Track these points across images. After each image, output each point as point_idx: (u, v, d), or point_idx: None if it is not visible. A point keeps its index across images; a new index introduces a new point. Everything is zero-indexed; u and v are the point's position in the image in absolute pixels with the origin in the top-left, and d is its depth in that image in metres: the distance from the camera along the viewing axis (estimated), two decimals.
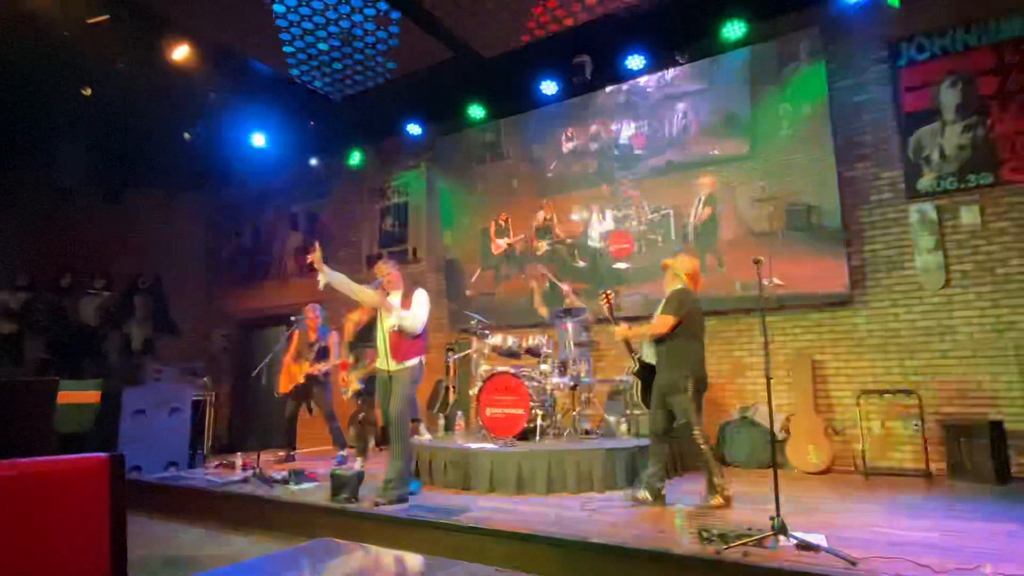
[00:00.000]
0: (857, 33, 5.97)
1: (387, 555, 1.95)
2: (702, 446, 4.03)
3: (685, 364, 4.10)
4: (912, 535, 3.29)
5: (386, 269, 4.60)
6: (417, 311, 4.45)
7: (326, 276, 4.37)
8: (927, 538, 3.22)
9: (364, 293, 4.51)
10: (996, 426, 4.83)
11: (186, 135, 8.16)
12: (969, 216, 5.35)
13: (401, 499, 4.29)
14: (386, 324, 4.44)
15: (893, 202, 5.69)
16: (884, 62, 5.82)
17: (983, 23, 5.40)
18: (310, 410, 6.74)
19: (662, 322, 4.13)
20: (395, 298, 4.53)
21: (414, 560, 1.99)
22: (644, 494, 4.19)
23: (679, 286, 4.28)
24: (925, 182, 5.55)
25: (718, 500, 4.00)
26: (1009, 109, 5.25)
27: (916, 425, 5.28)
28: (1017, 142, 5.20)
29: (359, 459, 5.77)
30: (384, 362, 4.45)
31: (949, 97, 5.50)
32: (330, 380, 6.62)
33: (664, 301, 4.28)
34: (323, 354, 6.54)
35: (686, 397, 4.04)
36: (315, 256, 4.31)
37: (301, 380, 6.48)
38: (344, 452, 6.42)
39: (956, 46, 5.51)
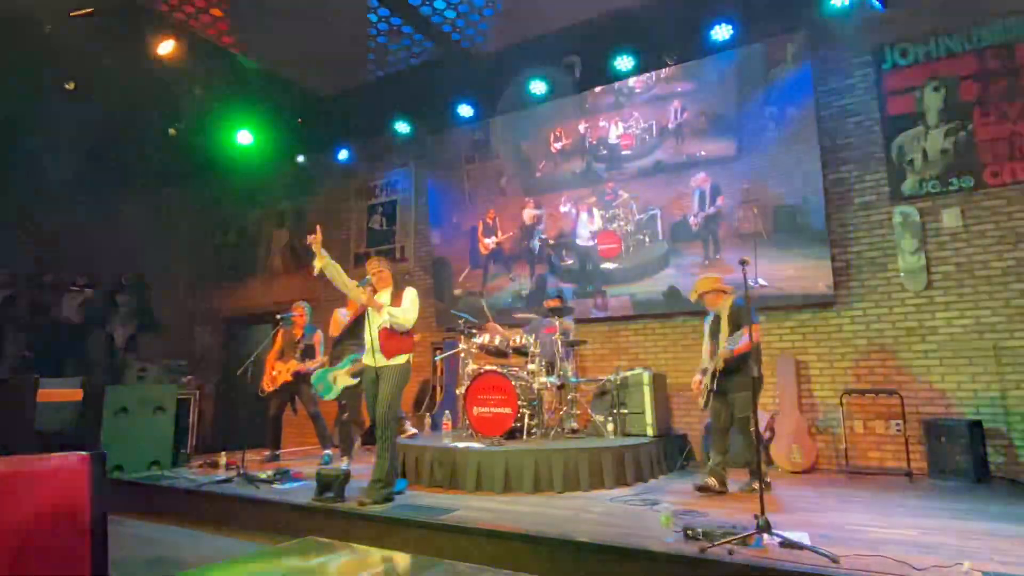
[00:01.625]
0: (843, 37, 6.04)
1: (373, 554, 1.95)
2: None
3: (754, 363, 4.24)
4: (893, 533, 3.33)
5: (377, 267, 4.58)
6: (407, 307, 4.44)
7: (325, 260, 4.33)
8: (908, 536, 3.27)
9: (354, 289, 4.49)
10: (975, 426, 4.91)
11: (171, 131, 8.07)
12: (951, 219, 5.43)
13: (387, 498, 4.27)
14: (375, 321, 4.43)
15: (877, 204, 5.77)
16: (869, 66, 5.90)
17: (966, 30, 5.49)
18: (295, 409, 6.69)
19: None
20: (384, 296, 4.51)
21: (400, 559, 1.99)
22: (712, 481, 4.45)
23: (731, 297, 4.54)
24: (908, 185, 5.62)
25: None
26: (990, 114, 5.34)
27: (898, 425, 5.36)
28: (998, 146, 5.29)
29: (345, 458, 5.74)
30: (372, 358, 4.44)
31: (932, 101, 5.59)
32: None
33: (734, 316, 4.41)
34: (308, 352, 6.50)
35: (749, 394, 4.24)
36: (316, 238, 4.28)
37: (287, 378, 6.43)
38: (330, 451, 6.39)
39: (939, 51, 5.60)
